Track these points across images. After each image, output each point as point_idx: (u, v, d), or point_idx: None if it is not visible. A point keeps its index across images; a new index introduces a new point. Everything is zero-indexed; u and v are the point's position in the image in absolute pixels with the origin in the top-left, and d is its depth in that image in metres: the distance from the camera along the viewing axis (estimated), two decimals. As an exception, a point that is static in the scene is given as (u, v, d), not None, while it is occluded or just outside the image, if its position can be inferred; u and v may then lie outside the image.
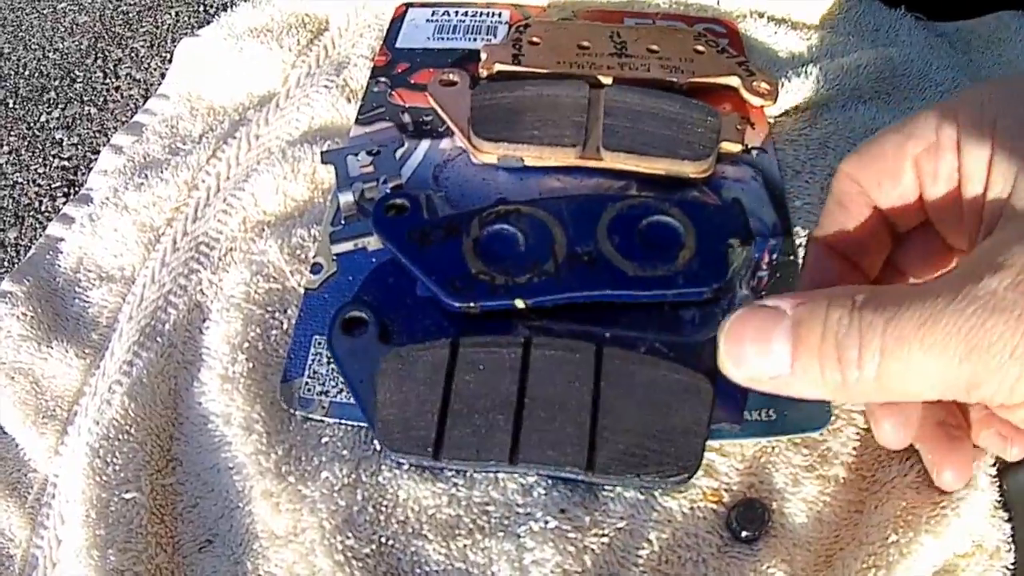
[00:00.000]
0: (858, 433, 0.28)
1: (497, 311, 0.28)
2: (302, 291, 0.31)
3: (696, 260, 0.27)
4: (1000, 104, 0.20)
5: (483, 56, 0.35)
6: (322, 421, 0.29)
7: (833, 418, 0.28)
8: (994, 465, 0.27)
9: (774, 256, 0.30)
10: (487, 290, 0.28)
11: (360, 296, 0.30)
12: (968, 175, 0.21)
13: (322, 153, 0.33)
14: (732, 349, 0.21)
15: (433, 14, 0.39)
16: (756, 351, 0.21)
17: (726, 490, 0.27)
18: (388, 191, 0.32)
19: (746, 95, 0.34)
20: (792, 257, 0.31)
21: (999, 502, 0.27)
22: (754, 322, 0.21)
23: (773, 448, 0.28)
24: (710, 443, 0.27)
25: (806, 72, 0.36)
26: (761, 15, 0.40)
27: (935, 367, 0.18)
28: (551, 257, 0.28)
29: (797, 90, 0.35)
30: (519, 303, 0.28)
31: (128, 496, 0.29)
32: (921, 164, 0.22)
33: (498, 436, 0.26)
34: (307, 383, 0.29)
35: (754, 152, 0.33)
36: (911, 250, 0.25)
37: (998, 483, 0.27)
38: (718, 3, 0.40)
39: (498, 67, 0.34)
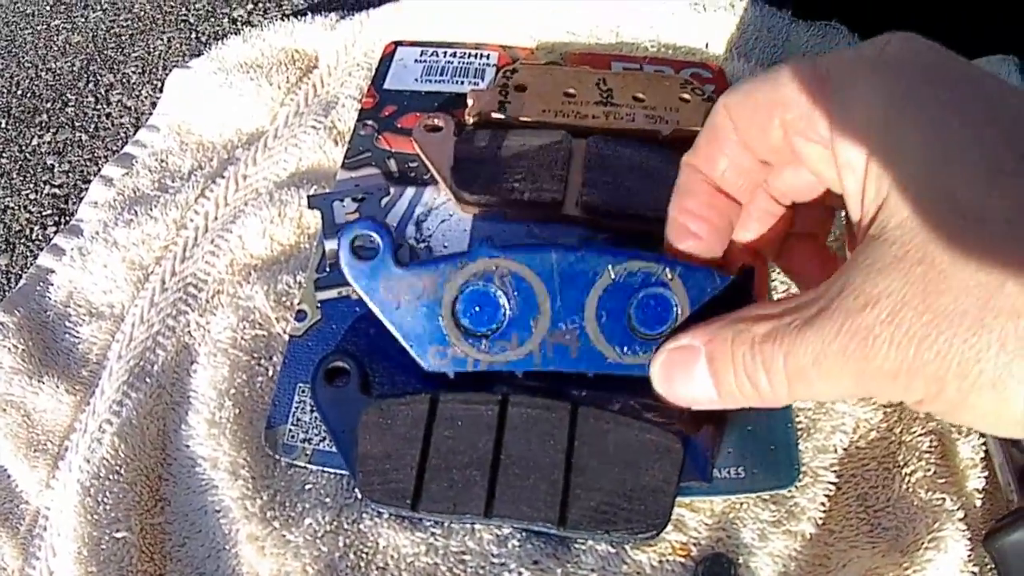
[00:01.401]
0: (826, 490, 0.29)
1: None
2: (287, 338, 0.32)
3: None
4: (878, 82, 0.20)
5: (469, 102, 0.36)
6: (305, 468, 0.30)
7: (801, 475, 0.29)
8: (968, 528, 0.28)
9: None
10: (464, 363, 0.28)
11: (343, 346, 0.32)
12: (843, 163, 0.21)
13: (309, 198, 0.34)
14: (665, 387, 0.25)
15: (422, 54, 0.40)
16: (686, 387, 0.24)
17: (695, 544, 0.28)
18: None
19: (729, 145, 0.35)
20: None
21: (969, 558, 0.28)
22: (677, 362, 0.24)
23: (742, 504, 0.29)
24: (680, 499, 0.28)
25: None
26: (748, 59, 0.41)
27: (835, 389, 0.20)
28: (532, 333, 0.27)
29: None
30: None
31: (119, 535, 0.30)
32: (791, 126, 0.22)
33: (474, 491, 0.27)
34: (291, 430, 0.31)
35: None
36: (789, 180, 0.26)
37: (988, 545, 0.28)
38: (707, 46, 0.41)
39: (484, 114, 0.35)
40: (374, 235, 0.28)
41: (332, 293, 0.33)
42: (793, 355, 0.20)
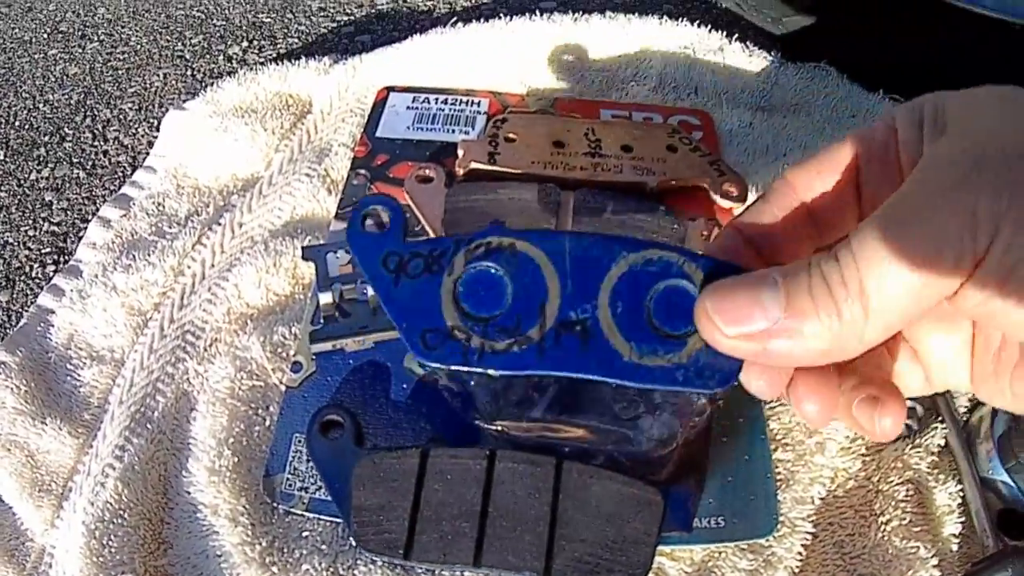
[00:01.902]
0: (803, 539, 0.32)
1: (466, 398, 0.31)
2: (283, 389, 0.35)
3: (706, 351, 0.24)
4: (931, 99, 0.22)
5: (460, 153, 0.38)
6: (303, 515, 0.33)
7: (779, 526, 0.32)
8: (943, 574, 0.31)
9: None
10: (460, 352, 0.25)
11: (337, 398, 0.34)
12: (903, 159, 0.22)
13: (303, 249, 0.37)
14: (718, 308, 0.22)
15: (414, 100, 0.42)
16: (744, 310, 0.21)
17: (675, 592, 0.31)
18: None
19: (715, 197, 0.37)
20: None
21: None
22: (742, 283, 0.22)
23: (720, 553, 0.31)
24: (662, 548, 0.31)
25: (779, 168, 0.39)
26: (737, 103, 0.43)
27: (902, 260, 0.19)
28: (539, 320, 0.25)
29: (768, 187, 0.38)
30: (492, 372, 0.25)
31: (123, 577, 0.33)
32: (860, 153, 0.23)
33: (463, 542, 0.30)
34: (288, 479, 0.33)
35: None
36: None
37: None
38: (695, 91, 0.43)
39: (473, 165, 0.37)
40: (387, 210, 0.27)
41: (327, 345, 0.35)
42: (859, 230, 0.20)
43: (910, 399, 0.35)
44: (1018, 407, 0.22)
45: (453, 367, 0.25)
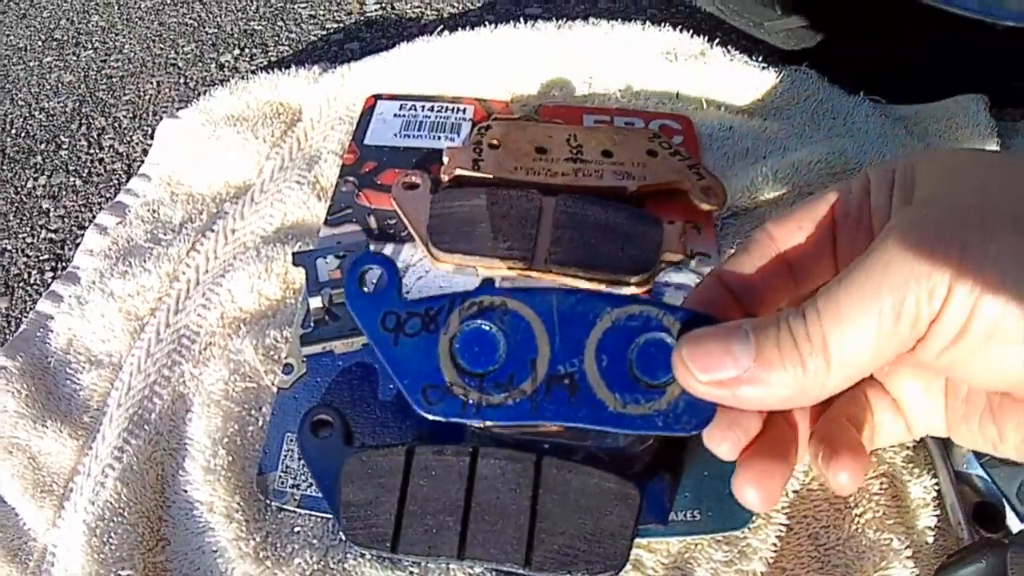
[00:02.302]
0: (778, 531, 0.34)
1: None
2: (275, 390, 0.37)
3: (683, 398, 0.27)
4: (902, 165, 0.25)
5: (445, 160, 0.40)
6: (295, 512, 0.35)
7: (754, 518, 0.34)
8: (917, 565, 0.33)
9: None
10: (459, 407, 0.28)
11: (327, 398, 0.36)
12: (874, 220, 0.25)
13: (293, 255, 0.39)
14: (691, 357, 0.24)
15: (401, 108, 0.45)
16: (716, 358, 0.24)
17: (652, 583, 0.33)
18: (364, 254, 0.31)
19: (695, 200, 0.39)
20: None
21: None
22: (716, 333, 0.24)
23: (696, 545, 0.34)
24: (639, 540, 0.33)
25: (758, 171, 0.41)
26: (718, 106, 0.45)
27: (866, 311, 0.22)
28: (530, 375, 0.28)
29: (747, 190, 0.41)
30: (489, 423, 0.28)
31: (124, 573, 0.36)
32: (837, 209, 0.26)
33: (448, 534, 0.32)
34: (280, 477, 0.36)
35: (698, 258, 0.38)
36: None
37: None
38: (677, 96, 0.45)
39: (458, 171, 0.40)
40: (381, 268, 0.29)
41: (317, 348, 0.37)
42: (827, 292, 0.22)
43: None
44: (990, 449, 0.24)
45: (453, 419, 0.27)
